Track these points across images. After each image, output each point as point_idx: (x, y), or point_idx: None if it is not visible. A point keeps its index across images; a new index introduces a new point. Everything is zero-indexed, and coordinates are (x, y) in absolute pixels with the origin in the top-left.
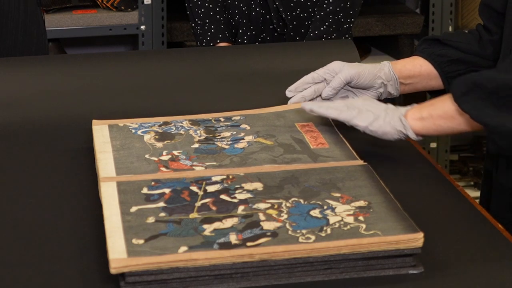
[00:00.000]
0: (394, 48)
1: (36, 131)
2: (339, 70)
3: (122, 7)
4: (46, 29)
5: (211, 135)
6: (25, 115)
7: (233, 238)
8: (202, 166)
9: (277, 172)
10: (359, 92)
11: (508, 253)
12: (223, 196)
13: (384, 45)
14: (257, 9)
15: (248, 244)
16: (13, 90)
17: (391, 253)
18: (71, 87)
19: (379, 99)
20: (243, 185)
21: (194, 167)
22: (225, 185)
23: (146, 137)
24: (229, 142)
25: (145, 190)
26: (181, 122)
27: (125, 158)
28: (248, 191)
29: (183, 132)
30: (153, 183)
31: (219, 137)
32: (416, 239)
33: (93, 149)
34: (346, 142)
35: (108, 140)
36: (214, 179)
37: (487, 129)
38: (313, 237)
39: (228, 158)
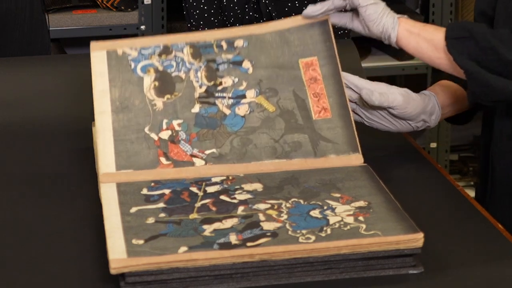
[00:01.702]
0: (394, 48)
1: (36, 131)
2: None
3: (122, 7)
4: (49, 30)
5: (212, 83)
6: (25, 115)
7: (233, 238)
8: (201, 158)
9: (276, 173)
10: (395, 120)
11: (508, 253)
12: (223, 197)
13: (384, 45)
14: (250, 13)
15: (248, 244)
16: (13, 90)
17: (391, 253)
18: (71, 87)
19: (414, 131)
20: (242, 185)
21: (193, 158)
22: (225, 186)
23: (146, 83)
24: (230, 102)
25: (145, 191)
26: (182, 51)
27: (124, 133)
28: (248, 191)
29: (183, 76)
30: (152, 184)
31: (220, 88)
32: (416, 239)
33: (93, 149)
34: (348, 103)
35: (106, 87)
36: (214, 180)
37: (465, 74)
38: (313, 237)
39: (228, 140)
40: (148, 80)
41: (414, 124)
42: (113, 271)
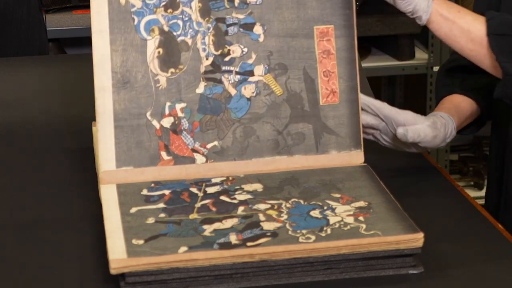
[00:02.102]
0: (394, 48)
1: (36, 131)
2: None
3: None
4: (46, 29)
5: (219, 52)
6: (25, 115)
7: (233, 238)
8: (203, 154)
9: (277, 173)
10: (414, 146)
11: (508, 253)
12: (223, 197)
13: (384, 45)
14: None
15: (248, 244)
16: (13, 90)
17: (391, 253)
18: (71, 87)
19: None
20: (243, 186)
21: (195, 153)
22: (225, 186)
23: (149, 49)
24: (236, 79)
25: (145, 192)
26: (190, 5)
27: (125, 118)
28: (248, 192)
29: (189, 41)
30: (152, 184)
31: (228, 59)
32: (416, 239)
33: (92, 149)
34: (358, 86)
35: (107, 51)
36: (214, 180)
37: (503, 74)
38: (313, 237)
39: (231, 130)
40: (152, 45)
41: (430, 149)
42: (113, 271)
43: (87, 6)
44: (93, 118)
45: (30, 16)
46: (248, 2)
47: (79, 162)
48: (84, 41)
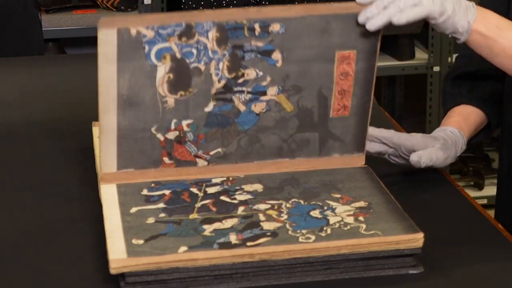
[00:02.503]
0: (394, 48)
1: (36, 131)
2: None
3: (122, 7)
4: (46, 29)
5: (233, 75)
6: (25, 115)
7: (233, 238)
8: (205, 160)
9: (277, 174)
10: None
11: (508, 253)
12: (223, 197)
13: (384, 45)
14: None
15: (248, 244)
16: (13, 90)
17: (391, 253)
18: (71, 87)
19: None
20: (243, 186)
21: (197, 159)
22: (225, 186)
23: (159, 74)
24: (248, 97)
25: (145, 192)
26: (206, 35)
27: (129, 133)
28: (248, 192)
29: (203, 68)
30: (153, 184)
31: (241, 81)
32: (416, 239)
33: (93, 149)
34: (371, 103)
35: (114, 76)
36: (214, 180)
37: None
38: (313, 237)
39: (236, 139)
40: (162, 71)
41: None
42: (113, 271)
43: (87, 6)
44: (93, 118)
45: (26, 14)
46: (270, 31)
47: (79, 162)
48: (84, 41)
